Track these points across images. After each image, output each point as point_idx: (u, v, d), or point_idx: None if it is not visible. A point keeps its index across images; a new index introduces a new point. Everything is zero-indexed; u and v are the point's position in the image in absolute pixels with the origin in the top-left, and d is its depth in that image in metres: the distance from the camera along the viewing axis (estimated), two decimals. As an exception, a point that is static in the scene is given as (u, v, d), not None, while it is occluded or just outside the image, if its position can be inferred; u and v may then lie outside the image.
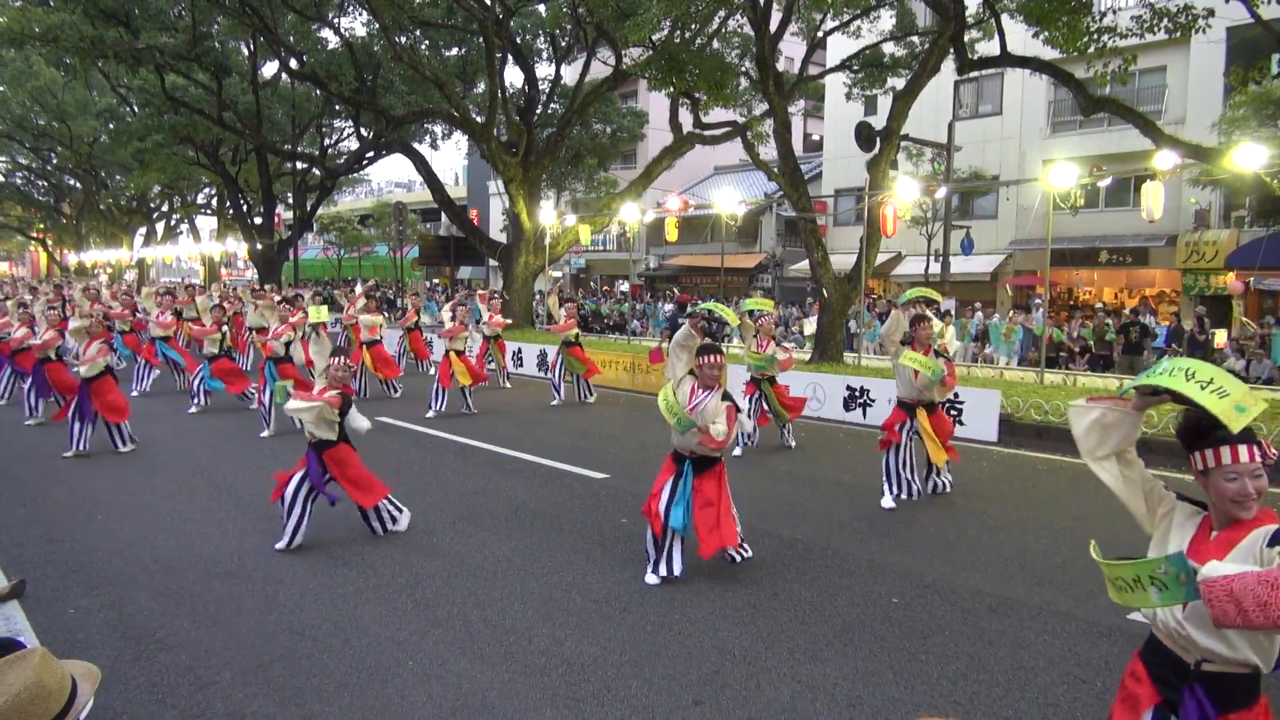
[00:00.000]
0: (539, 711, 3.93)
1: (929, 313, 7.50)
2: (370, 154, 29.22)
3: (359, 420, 6.37)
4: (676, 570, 5.54)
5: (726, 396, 5.44)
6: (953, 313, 17.36)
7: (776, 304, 24.05)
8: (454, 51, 25.77)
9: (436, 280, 39.44)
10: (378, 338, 13.79)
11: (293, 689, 4.14)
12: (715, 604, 5.18)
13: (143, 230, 45.89)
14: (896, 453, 7.41)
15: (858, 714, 3.92)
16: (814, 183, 27.14)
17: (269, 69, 29.16)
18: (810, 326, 17.98)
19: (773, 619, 4.97)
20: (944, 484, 7.79)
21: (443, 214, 30.54)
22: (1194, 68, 20.72)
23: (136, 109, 29.17)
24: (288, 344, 10.98)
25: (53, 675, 1.72)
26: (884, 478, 7.45)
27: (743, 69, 19.15)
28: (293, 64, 23.89)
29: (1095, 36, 12.71)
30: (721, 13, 16.35)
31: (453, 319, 12.39)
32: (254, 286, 23.04)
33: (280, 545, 6.16)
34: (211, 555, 6.09)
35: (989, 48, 15.33)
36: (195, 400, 12.28)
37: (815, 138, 35.79)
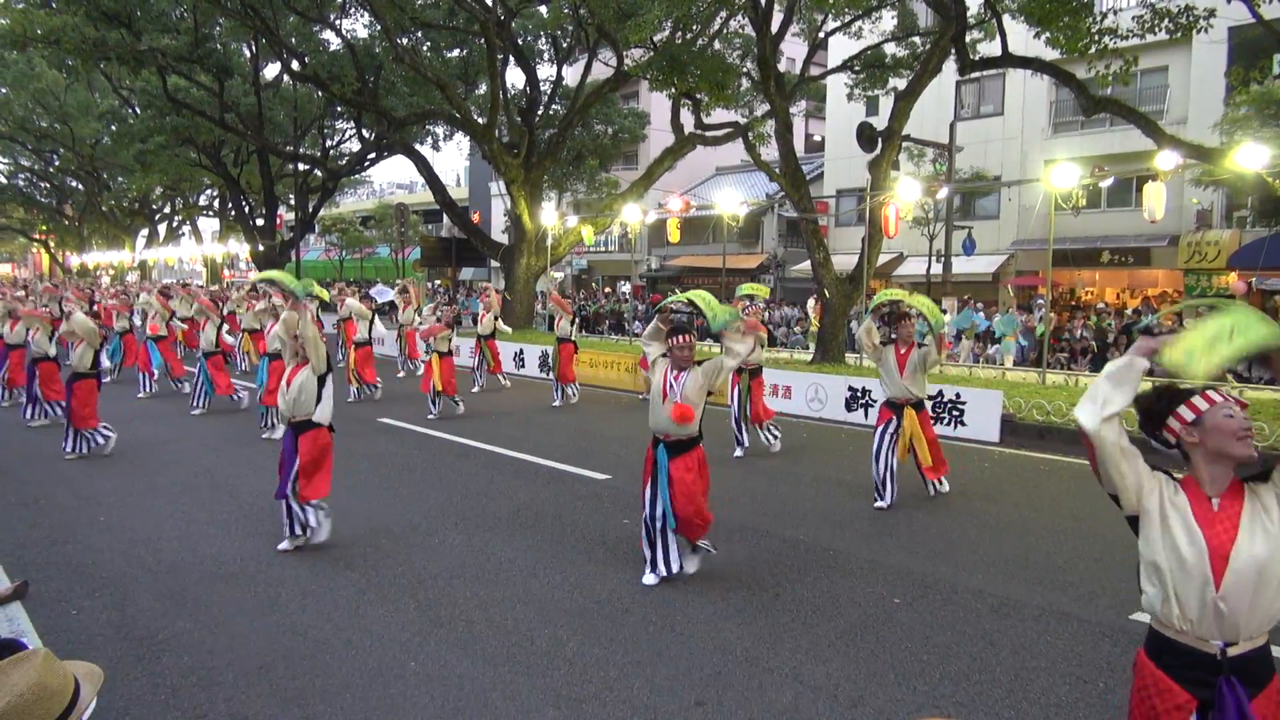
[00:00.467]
0: (541, 712, 3.93)
1: (911, 312, 7.52)
2: (372, 155, 29.28)
3: (329, 401, 6.27)
4: (675, 568, 5.53)
5: (700, 362, 5.46)
6: (951, 311, 17.35)
7: (777, 302, 24.06)
8: (455, 53, 25.79)
9: (438, 281, 39.45)
10: (367, 339, 13.81)
11: (295, 690, 4.15)
12: (717, 604, 5.18)
13: (145, 232, 46.02)
14: (881, 454, 7.37)
15: (860, 714, 3.92)
16: (815, 183, 27.12)
17: (271, 70, 29.27)
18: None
19: (775, 619, 4.97)
20: (935, 487, 7.71)
21: (444, 215, 30.55)
22: (1196, 68, 20.69)
23: (138, 111, 29.23)
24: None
25: (55, 676, 1.72)
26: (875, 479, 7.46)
27: (744, 70, 19.15)
28: (294, 65, 23.93)
29: (1096, 37, 12.71)
30: (723, 13, 16.37)
31: (437, 320, 12.35)
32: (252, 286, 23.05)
33: (283, 546, 6.16)
34: (214, 556, 6.09)
35: (990, 48, 15.34)
36: (198, 402, 12.29)
37: (817, 138, 35.75)
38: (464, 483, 8.32)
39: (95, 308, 16.68)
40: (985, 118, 25.37)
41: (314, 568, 5.86)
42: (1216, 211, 20.96)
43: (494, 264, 30.30)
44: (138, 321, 17.10)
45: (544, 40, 24.54)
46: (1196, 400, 2.39)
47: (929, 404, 10.48)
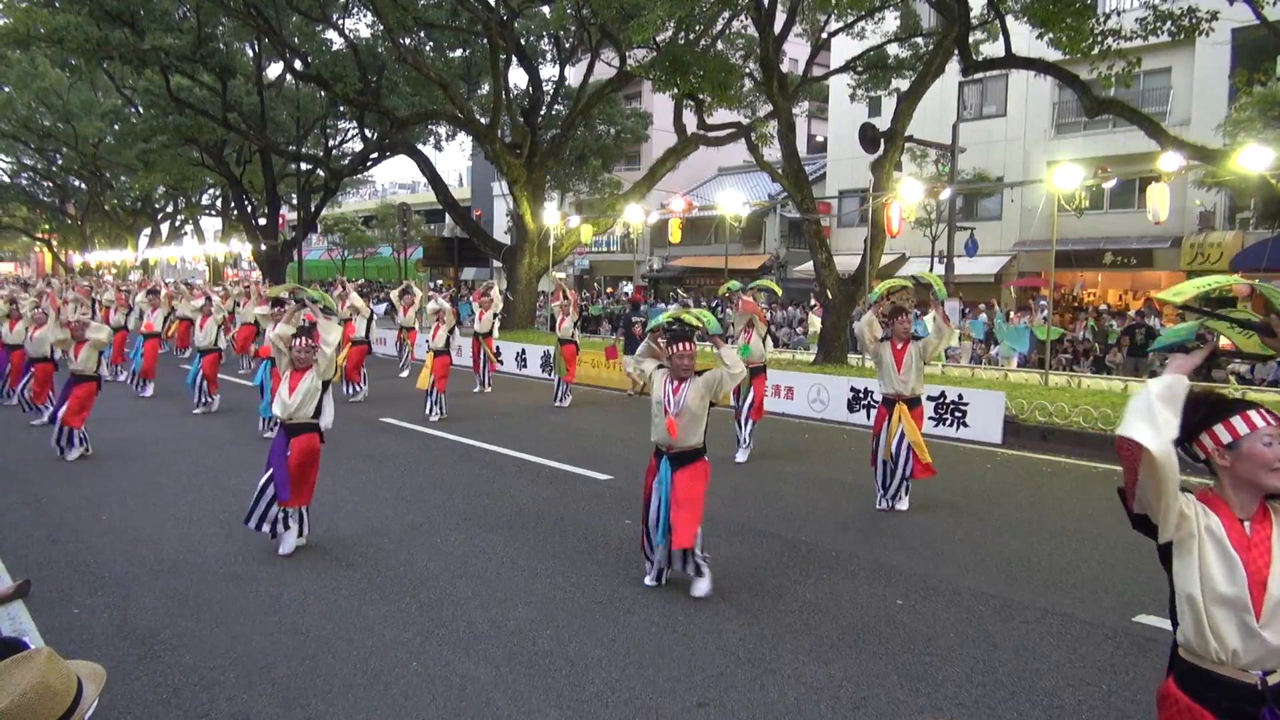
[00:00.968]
0: (543, 713, 3.93)
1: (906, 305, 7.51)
2: (374, 155, 29.28)
3: (330, 406, 6.32)
4: (664, 579, 5.47)
5: (701, 372, 5.36)
6: (954, 315, 17.31)
7: (780, 304, 24.03)
8: (458, 53, 25.82)
9: (440, 281, 39.48)
10: (364, 337, 13.85)
11: (297, 690, 4.15)
12: (719, 605, 5.17)
13: (147, 231, 46.05)
14: (878, 453, 7.32)
15: (862, 716, 3.91)
16: (818, 184, 27.12)
17: (273, 70, 29.28)
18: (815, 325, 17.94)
19: (777, 620, 4.96)
20: (890, 502, 7.32)
21: (447, 215, 30.59)
22: (1199, 69, 20.67)
23: (141, 110, 29.27)
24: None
25: (58, 675, 1.72)
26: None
27: (747, 70, 19.14)
28: (297, 65, 23.95)
29: (1100, 38, 12.70)
30: (726, 14, 16.37)
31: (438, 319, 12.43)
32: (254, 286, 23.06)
33: (285, 550, 6.13)
34: (216, 556, 6.09)
35: (993, 49, 15.31)
36: (200, 402, 12.30)
37: (819, 139, 35.71)
38: (466, 483, 8.32)
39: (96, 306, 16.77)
40: (988, 119, 25.36)
41: (316, 568, 5.86)
42: (1219, 213, 20.94)
43: (496, 264, 30.31)
44: (133, 323, 17.13)
45: (547, 40, 24.54)
46: (1236, 421, 2.28)
47: (931, 405, 10.50)
